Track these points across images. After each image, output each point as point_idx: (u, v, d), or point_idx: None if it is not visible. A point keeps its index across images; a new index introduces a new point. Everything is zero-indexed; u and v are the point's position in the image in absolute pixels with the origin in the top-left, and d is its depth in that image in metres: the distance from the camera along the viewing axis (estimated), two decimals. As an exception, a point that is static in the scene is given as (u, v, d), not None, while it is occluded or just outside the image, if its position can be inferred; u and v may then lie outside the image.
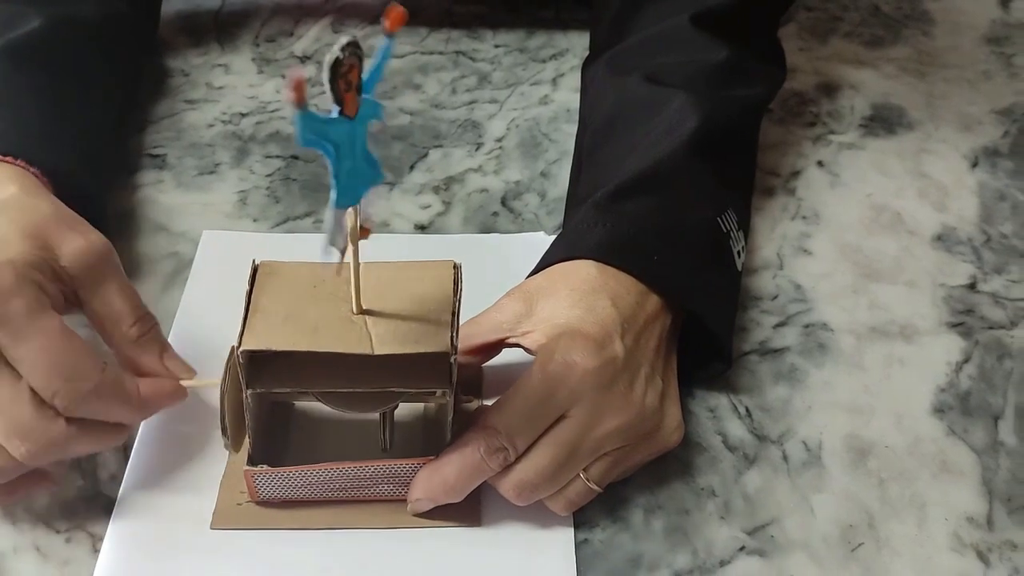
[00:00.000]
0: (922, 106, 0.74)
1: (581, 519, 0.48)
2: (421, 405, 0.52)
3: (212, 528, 0.47)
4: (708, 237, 0.54)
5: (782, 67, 0.66)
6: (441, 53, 0.76)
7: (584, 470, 0.46)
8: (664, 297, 0.50)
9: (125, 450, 0.50)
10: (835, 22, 0.82)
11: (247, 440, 0.47)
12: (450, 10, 0.80)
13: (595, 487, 0.47)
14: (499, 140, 0.69)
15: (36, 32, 0.58)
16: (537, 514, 0.48)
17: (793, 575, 0.47)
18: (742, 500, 0.50)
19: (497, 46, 0.77)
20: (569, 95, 0.73)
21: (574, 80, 0.73)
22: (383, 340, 0.42)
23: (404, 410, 0.50)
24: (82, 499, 0.49)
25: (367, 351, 0.41)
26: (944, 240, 0.64)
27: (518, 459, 0.46)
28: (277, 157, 0.67)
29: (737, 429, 0.53)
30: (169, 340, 0.53)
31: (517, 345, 0.49)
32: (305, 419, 0.51)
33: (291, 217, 0.63)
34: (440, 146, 0.68)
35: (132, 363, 0.47)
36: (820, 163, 0.69)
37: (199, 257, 0.60)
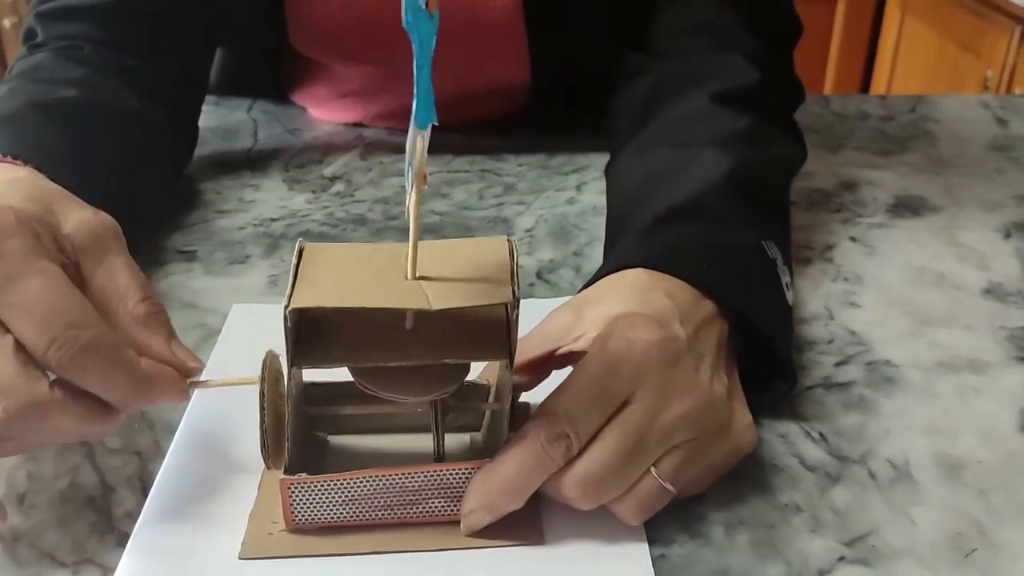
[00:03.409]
0: (943, 195, 0.75)
1: (655, 536, 0.43)
2: (468, 437, 0.48)
3: (241, 558, 0.42)
4: (756, 258, 0.52)
5: (803, 145, 0.67)
6: (466, 171, 0.78)
7: (654, 465, 0.42)
8: (718, 304, 0.48)
9: (143, 488, 0.45)
10: (843, 139, 0.85)
11: (284, 457, 0.42)
12: (472, 143, 0.82)
13: (668, 486, 0.42)
14: (529, 230, 0.69)
15: (71, 100, 0.60)
16: (605, 528, 0.43)
17: (905, 581, 0.41)
18: (832, 514, 0.45)
19: (520, 165, 0.79)
20: (595, 196, 0.74)
21: (598, 186, 0.75)
22: (440, 297, 0.39)
23: (452, 443, 0.46)
24: (94, 534, 0.43)
25: (424, 306, 0.39)
26: (994, 292, 0.62)
27: (581, 452, 0.41)
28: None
29: (813, 452, 0.48)
30: (193, 403, 0.50)
31: (568, 357, 0.46)
32: (342, 453, 0.47)
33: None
34: (471, 235, 0.68)
35: (136, 346, 0.42)
36: (853, 239, 0.68)
37: (228, 326, 0.57)
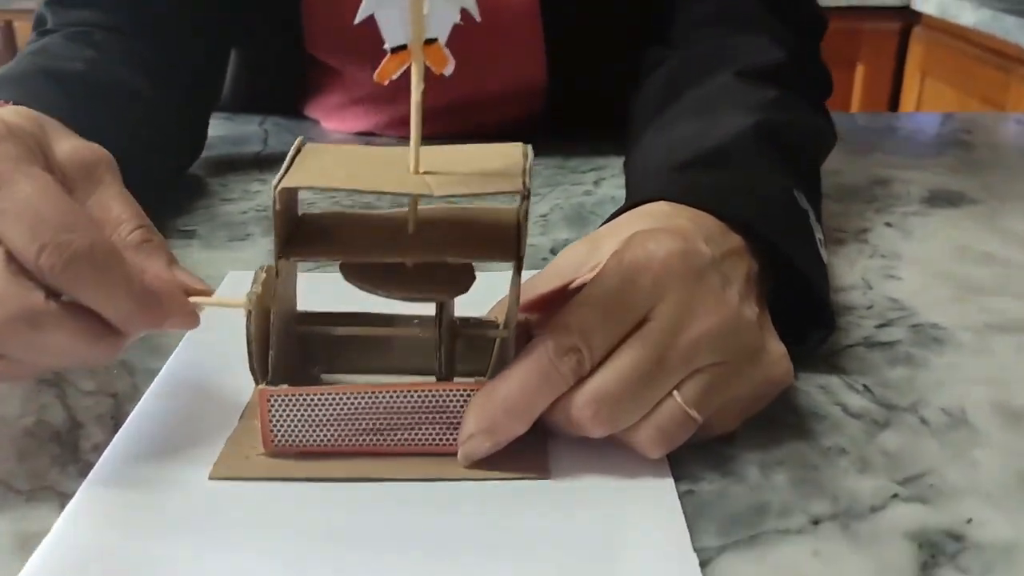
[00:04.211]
0: (981, 190, 0.71)
1: (680, 473, 0.38)
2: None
3: (211, 479, 0.37)
4: (788, 203, 0.48)
5: (833, 127, 0.64)
6: (480, 170, 0.75)
7: (677, 389, 0.37)
8: (748, 242, 0.44)
9: (116, 425, 0.41)
10: (873, 145, 0.81)
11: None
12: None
13: (692, 412, 0.37)
14: (544, 215, 0.66)
15: (79, 72, 0.58)
16: (620, 462, 0.38)
17: (972, 517, 0.36)
18: (882, 456, 0.40)
19: (536, 164, 0.76)
20: (613, 189, 0.71)
21: (618, 181, 0.72)
22: (444, 185, 0.35)
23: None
24: (56, 465, 0.39)
25: (425, 192, 0.35)
26: (1044, 268, 0.58)
27: (594, 370, 0.37)
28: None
29: (857, 401, 0.44)
30: (178, 350, 0.46)
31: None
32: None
33: (326, 267, 0.58)
34: (483, 219, 0.65)
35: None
36: (888, 224, 0.64)
37: (221, 290, 0.54)
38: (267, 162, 0.77)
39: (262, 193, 0.70)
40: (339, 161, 0.38)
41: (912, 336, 0.49)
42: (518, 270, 0.37)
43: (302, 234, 0.38)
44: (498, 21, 0.74)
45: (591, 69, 0.77)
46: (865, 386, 0.45)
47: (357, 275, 0.37)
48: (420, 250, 0.37)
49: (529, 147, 0.39)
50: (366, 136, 0.83)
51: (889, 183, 0.72)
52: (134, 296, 0.36)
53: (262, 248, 0.60)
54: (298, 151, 0.38)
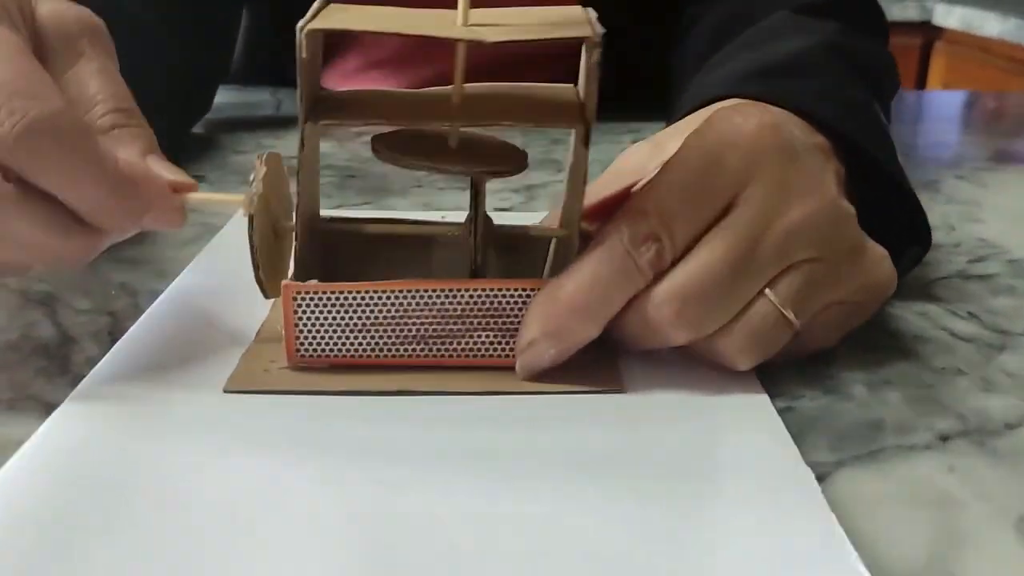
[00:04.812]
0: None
1: (775, 390, 0.32)
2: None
3: (225, 391, 0.32)
4: (873, 114, 0.43)
5: (897, 68, 0.59)
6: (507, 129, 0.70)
7: (769, 287, 0.32)
8: (834, 143, 0.38)
9: (113, 340, 0.35)
10: (920, 116, 0.77)
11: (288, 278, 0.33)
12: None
13: (788, 314, 0.31)
14: (584, 167, 0.61)
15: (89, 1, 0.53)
16: (703, 376, 0.32)
17: None
18: (1006, 377, 0.34)
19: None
20: (655, 147, 0.65)
21: (658, 140, 0.67)
22: (498, 34, 0.30)
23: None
24: (41, 376, 0.33)
25: (476, 37, 0.30)
26: None
27: (675, 263, 0.31)
28: (332, 171, 0.58)
29: (965, 326, 0.38)
30: (186, 272, 0.40)
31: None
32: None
33: (345, 205, 0.52)
34: (517, 169, 0.60)
35: None
36: (959, 176, 0.59)
37: (229, 226, 0.48)
38: (280, 122, 0.72)
39: (275, 147, 0.64)
40: (373, 12, 0.32)
41: (1010, 270, 0.44)
42: (585, 140, 0.32)
43: (327, 102, 0.33)
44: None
45: (630, 26, 0.72)
46: (970, 312, 0.39)
47: (393, 148, 0.32)
48: (468, 117, 0.32)
49: (590, 9, 0.34)
50: (386, 103, 0.78)
51: (947, 145, 0.67)
52: (106, 181, 0.30)
53: (278, 191, 0.55)
54: (323, 5, 0.33)
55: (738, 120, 0.33)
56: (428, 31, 0.30)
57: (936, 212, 0.52)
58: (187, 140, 0.65)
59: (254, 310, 0.36)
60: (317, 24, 0.30)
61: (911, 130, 0.71)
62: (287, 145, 0.65)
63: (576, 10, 0.33)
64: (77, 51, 0.33)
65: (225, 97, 0.73)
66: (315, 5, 0.32)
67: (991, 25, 1.64)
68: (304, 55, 0.30)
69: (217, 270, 0.41)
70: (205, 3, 0.67)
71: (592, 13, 0.33)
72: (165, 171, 0.32)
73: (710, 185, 0.32)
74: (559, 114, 0.33)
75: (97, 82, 0.33)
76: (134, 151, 0.32)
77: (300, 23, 0.30)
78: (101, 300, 0.39)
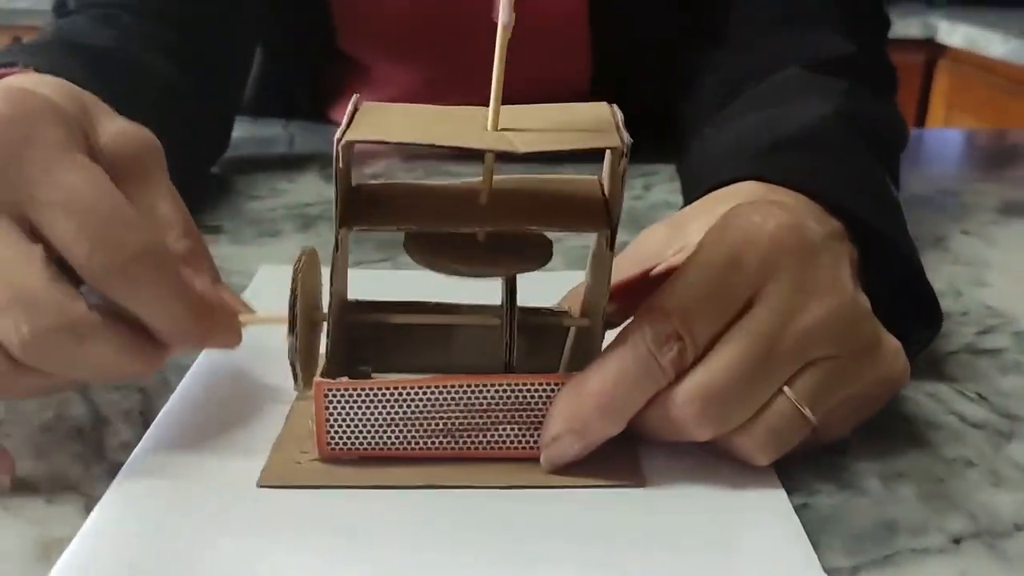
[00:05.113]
0: (1056, 203, 0.67)
1: (791, 485, 0.33)
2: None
3: (260, 486, 0.33)
4: (884, 191, 0.44)
5: (906, 126, 0.60)
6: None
7: (787, 384, 0.33)
8: (847, 225, 0.39)
9: (145, 422, 0.36)
10: (934, 160, 0.78)
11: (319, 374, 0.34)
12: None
13: (806, 411, 0.32)
14: (597, 218, 0.62)
15: (103, 49, 0.54)
16: (722, 471, 0.33)
17: None
18: (1016, 471, 0.35)
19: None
20: (666, 194, 0.66)
21: (670, 187, 0.67)
22: (529, 143, 0.31)
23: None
24: (79, 464, 0.34)
25: (507, 148, 0.31)
26: None
27: (696, 362, 0.32)
28: (348, 227, 0.59)
29: (974, 411, 0.39)
30: (198, 363, 0.41)
31: (668, 277, 0.37)
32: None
33: (364, 262, 0.53)
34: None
35: None
36: (965, 232, 0.60)
37: (254, 285, 0.49)
38: (293, 162, 0.73)
39: (289, 191, 0.66)
40: (405, 117, 0.33)
41: (1017, 344, 0.45)
42: (611, 243, 0.33)
43: (360, 203, 0.34)
44: (544, 22, 0.71)
45: (637, 71, 0.73)
46: (979, 394, 0.40)
47: (424, 249, 0.33)
48: (497, 219, 0.33)
49: (615, 106, 0.35)
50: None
51: (958, 194, 0.68)
52: (190, 308, 0.32)
53: (294, 245, 0.55)
54: (355, 109, 0.34)
55: (757, 220, 0.34)
56: (460, 141, 0.31)
57: (943, 274, 0.53)
58: (207, 181, 0.66)
59: (280, 380, 0.37)
60: (352, 135, 0.31)
61: (915, 174, 0.72)
62: (300, 190, 0.66)
63: (603, 109, 0.34)
64: (143, 173, 0.36)
65: (238, 131, 0.74)
66: (348, 108, 0.33)
67: (995, 46, 1.65)
68: (340, 165, 0.31)
69: (244, 344, 0.42)
70: (221, 45, 0.67)
71: (619, 115, 0.34)
72: (231, 298, 0.36)
73: (730, 285, 0.33)
74: (586, 218, 0.33)
75: (166, 206, 0.36)
76: (207, 278, 0.35)
77: (336, 134, 0.31)
78: (132, 377, 0.40)
